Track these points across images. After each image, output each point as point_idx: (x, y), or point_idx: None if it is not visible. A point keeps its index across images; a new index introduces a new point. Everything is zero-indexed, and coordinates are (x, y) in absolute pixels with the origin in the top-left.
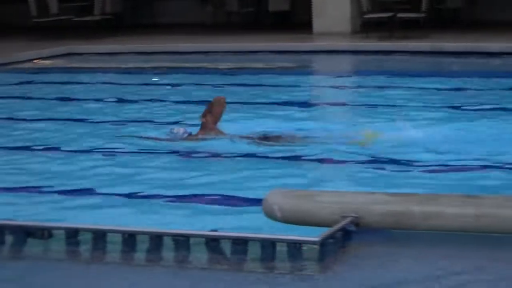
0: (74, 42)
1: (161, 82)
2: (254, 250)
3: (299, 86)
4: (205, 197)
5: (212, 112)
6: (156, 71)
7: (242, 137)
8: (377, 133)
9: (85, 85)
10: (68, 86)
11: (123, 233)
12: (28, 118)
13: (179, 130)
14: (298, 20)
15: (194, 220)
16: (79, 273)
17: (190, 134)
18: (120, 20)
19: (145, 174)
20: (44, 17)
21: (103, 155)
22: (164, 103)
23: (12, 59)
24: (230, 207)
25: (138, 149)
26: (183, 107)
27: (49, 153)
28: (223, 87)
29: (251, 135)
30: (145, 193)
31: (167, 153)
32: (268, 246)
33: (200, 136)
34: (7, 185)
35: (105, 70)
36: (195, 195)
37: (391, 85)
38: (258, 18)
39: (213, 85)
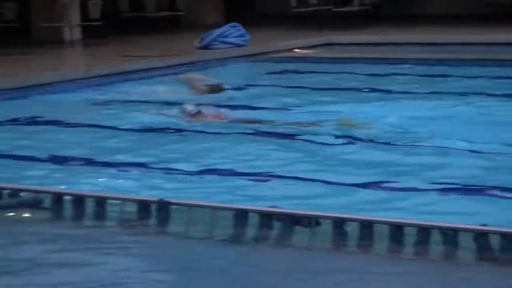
0: (333, 33)
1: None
2: None
3: None
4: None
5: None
6: (413, 62)
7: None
8: (351, 120)
9: (346, 75)
10: (329, 76)
11: (390, 224)
12: (288, 107)
13: (187, 107)
14: None
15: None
16: (343, 264)
17: (199, 112)
18: (379, 11)
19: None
20: (304, 8)
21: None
22: (419, 95)
23: (271, 48)
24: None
25: None
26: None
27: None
28: (480, 79)
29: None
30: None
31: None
32: None
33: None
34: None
35: (365, 61)
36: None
37: None
38: None
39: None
